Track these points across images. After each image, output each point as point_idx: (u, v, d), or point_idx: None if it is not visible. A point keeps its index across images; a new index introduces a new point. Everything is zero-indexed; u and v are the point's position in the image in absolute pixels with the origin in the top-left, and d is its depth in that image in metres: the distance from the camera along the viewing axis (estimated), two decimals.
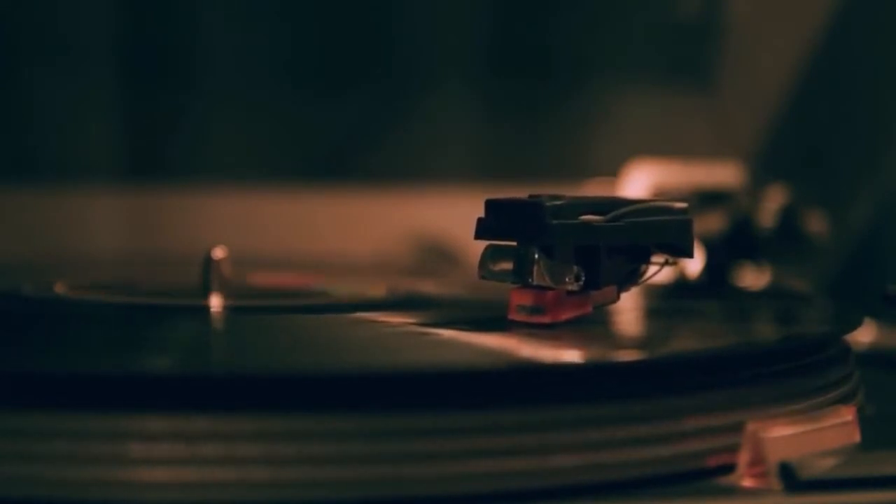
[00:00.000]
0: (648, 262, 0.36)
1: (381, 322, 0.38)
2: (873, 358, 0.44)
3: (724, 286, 0.52)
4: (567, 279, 0.35)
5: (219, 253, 0.42)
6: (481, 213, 0.35)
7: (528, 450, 0.28)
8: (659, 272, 0.37)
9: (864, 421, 0.32)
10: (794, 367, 0.33)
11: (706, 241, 0.52)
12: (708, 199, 0.54)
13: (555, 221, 0.34)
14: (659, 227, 0.36)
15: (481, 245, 0.35)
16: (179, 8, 0.68)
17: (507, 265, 0.35)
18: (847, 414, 0.32)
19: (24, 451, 0.27)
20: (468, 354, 0.32)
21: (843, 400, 0.34)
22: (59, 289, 0.45)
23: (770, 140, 0.67)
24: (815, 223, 0.54)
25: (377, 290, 0.45)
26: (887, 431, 0.35)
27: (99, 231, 0.67)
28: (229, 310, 0.40)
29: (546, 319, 0.35)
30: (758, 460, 0.30)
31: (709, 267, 0.52)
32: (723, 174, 0.56)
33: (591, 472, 0.29)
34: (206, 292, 0.41)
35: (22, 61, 0.66)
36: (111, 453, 0.27)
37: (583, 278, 0.35)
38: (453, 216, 0.48)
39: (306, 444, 0.27)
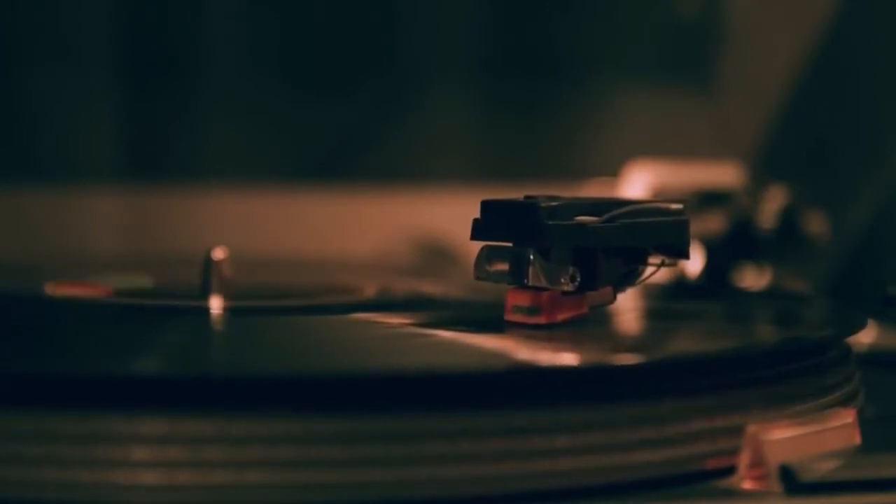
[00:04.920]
0: (645, 263, 0.36)
1: (379, 323, 0.38)
2: (873, 359, 0.44)
3: (725, 287, 0.52)
4: (563, 280, 0.34)
5: (219, 253, 0.42)
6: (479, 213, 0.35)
7: (525, 452, 0.28)
8: (655, 273, 0.37)
9: (864, 423, 0.32)
10: (794, 369, 0.33)
11: (706, 242, 0.52)
12: (708, 199, 0.54)
13: (550, 222, 0.34)
14: (655, 228, 0.36)
15: (480, 245, 0.35)
16: (179, 8, 0.68)
17: (503, 266, 0.35)
18: (847, 416, 0.32)
19: (19, 452, 0.27)
20: (464, 356, 0.32)
21: (844, 402, 0.34)
22: (59, 289, 0.45)
23: (770, 140, 0.67)
24: (816, 223, 0.54)
25: (375, 291, 0.45)
26: (888, 433, 0.34)
27: (99, 231, 0.67)
28: (229, 311, 0.40)
29: (542, 320, 0.34)
30: (758, 462, 0.30)
31: (709, 268, 0.52)
32: (723, 174, 0.56)
33: (590, 475, 0.29)
34: (205, 293, 0.41)
35: (22, 61, 0.66)
36: (107, 455, 0.27)
37: (579, 279, 0.35)
38: (453, 216, 0.48)
39: (302, 446, 0.27)
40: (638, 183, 0.56)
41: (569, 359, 0.32)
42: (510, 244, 0.35)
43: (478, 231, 0.35)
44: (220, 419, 0.27)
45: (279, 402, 0.28)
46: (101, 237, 0.67)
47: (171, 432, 0.27)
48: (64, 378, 0.28)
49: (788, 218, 0.53)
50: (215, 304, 0.41)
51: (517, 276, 0.34)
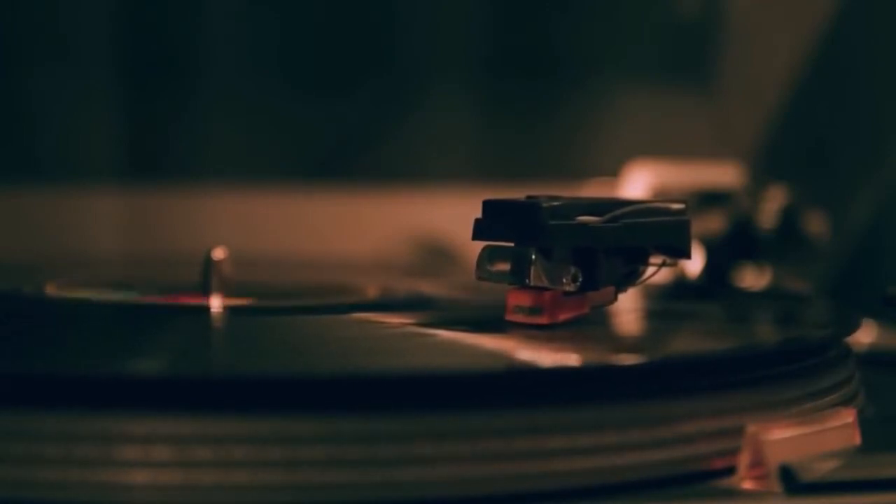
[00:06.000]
0: (646, 263, 0.36)
1: (379, 323, 0.38)
2: (873, 359, 0.44)
3: (725, 287, 0.52)
4: (564, 280, 0.34)
5: (219, 253, 0.42)
6: (480, 213, 0.35)
7: (526, 453, 0.28)
8: (657, 273, 0.37)
9: (864, 423, 0.32)
10: (794, 369, 0.33)
11: (706, 242, 0.52)
12: (708, 199, 0.54)
13: (552, 222, 0.34)
14: (656, 228, 0.36)
15: (481, 245, 0.35)
16: (179, 8, 0.68)
17: (505, 266, 0.35)
18: (847, 416, 0.32)
19: (18, 452, 0.27)
20: (465, 357, 0.32)
21: (844, 402, 0.34)
22: (59, 289, 0.45)
23: (770, 140, 0.67)
24: (816, 223, 0.54)
25: (375, 291, 0.45)
26: (887, 433, 0.34)
27: (99, 231, 0.66)
28: (229, 311, 0.40)
29: (543, 320, 0.34)
30: (758, 462, 0.30)
31: (709, 268, 0.52)
32: (723, 174, 0.56)
33: (590, 475, 0.29)
34: (205, 293, 0.41)
35: (22, 61, 0.66)
36: (106, 455, 0.27)
37: (580, 279, 0.35)
38: (453, 216, 0.48)
39: (303, 446, 0.27)
40: (638, 183, 0.56)
41: (570, 359, 0.32)
42: (512, 244, 0.35)
43: (479, 231, 0.35)
44: (220, 419, 0.27)
45: (279, 403, 0.28)
46: (101, 237, 0.66)
47: (170, 432, 0.27)
48: (63, 378, 0.28)
49: (788, 218, 0.53)
50: (215, 304, 0.41)
51: (519, 276, 0.34)
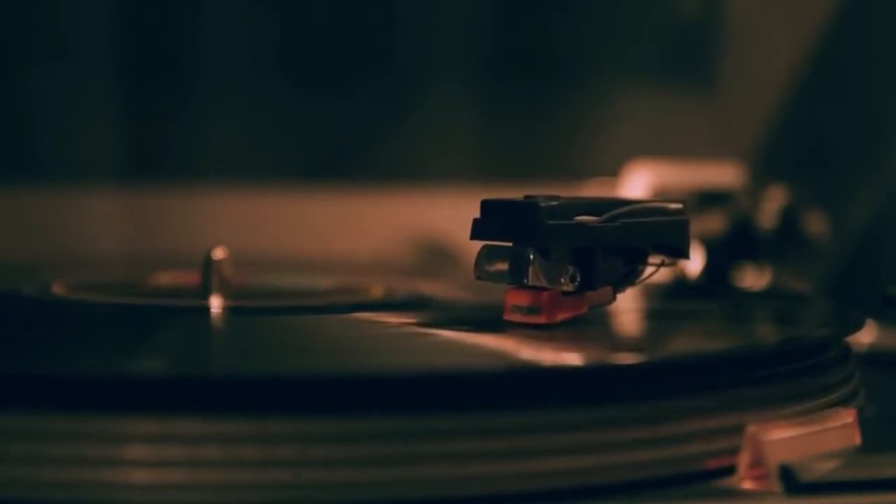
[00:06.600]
0: (645, 263, 0.36)
1: (379, 323, 0.38)
2: (873, 359, 0.44)
3: (725, 287, 0.52)
4: (562, 280, 0.34)
5: (219, 253, 0.42)
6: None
7: (525, 452, 0.28)
8: (655, 273, 0.37)
9: (864, 423, 0.32)
10: (794, 369, 0.33)
11: (706, 242, 0.52)
12: (708, 199, 0.54)
13: (550, 222, 0.34)
14: (654, 228, 0.36)
15: (480, 245, 0.35)
16: (179, 8, 0.68)
17: (503, 266, 0.35)
18: (847, 416, 0.32)
19: (17, 451, 0.27)
20: (464, 356, 0.32)
21: (844, 402, 0.34)
22: (58, 289, 0.45)
23: (770, 140, 0.67)
24: (816, 223, 0.54)
25: (375, 291, 0.45)
26: (887, 433, 0.34)
27: (99, 231, 0.66)
28: (229, 310, 0.40)
29: (541, 320, 0.34)
30: (758, 462, 0.30)
31: (709, 267, 0.52)
32: (723, 174, 0.56)
33: (590, 475, 0.29)
34: (206, 293, 0.41)
35: (22, 61, 0.66)
36: (106, 455, 0.27)
37: (578, 279, 0.35)
38: (453, 216, 0.48)
39: (302, 445, 0.27)
40: (638, 183, 0.56)
41: (569, 359, 0.32)
42: (510, 244, 0.35)
43: (477, 231, 0.35)
44: (220, 419, 0.27)
45: (279, 402, 0.28)
46: (101, 237, 0.66)
47: (170, 432, 0.27)
48: (63, 378, 0.28)
49: (788, 218, 0.53)
50: (215, 304, 0.41)
51: (517, 276, 0.34)
